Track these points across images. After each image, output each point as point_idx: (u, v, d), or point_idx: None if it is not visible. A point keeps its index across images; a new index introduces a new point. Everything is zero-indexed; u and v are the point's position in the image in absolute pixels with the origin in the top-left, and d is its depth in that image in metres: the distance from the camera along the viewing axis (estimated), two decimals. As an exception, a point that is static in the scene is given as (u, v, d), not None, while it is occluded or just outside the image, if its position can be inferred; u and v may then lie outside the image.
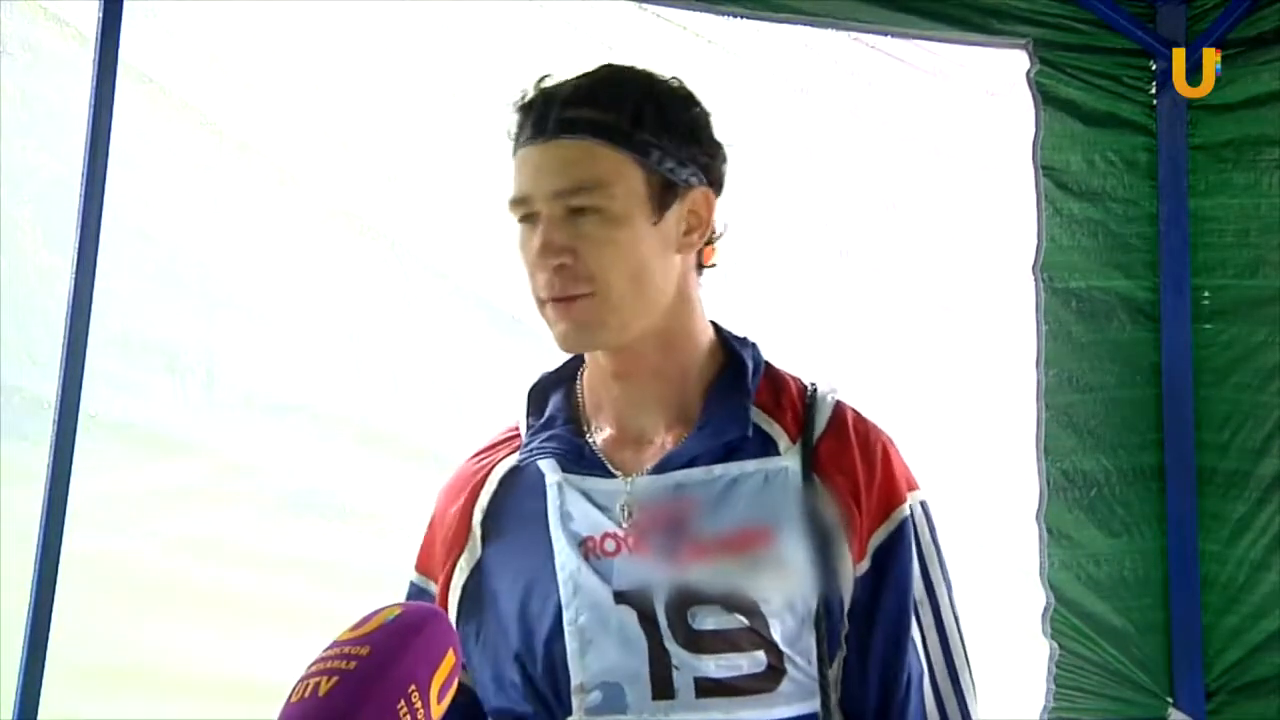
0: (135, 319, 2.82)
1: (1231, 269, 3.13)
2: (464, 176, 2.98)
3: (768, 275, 3.05)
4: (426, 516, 1.51)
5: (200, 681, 2.85)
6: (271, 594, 2.92)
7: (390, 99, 2.93)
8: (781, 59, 3.05)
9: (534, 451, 1.43)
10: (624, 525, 1.36)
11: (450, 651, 1.19)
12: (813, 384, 1.46)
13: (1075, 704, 3.19)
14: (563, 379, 1.50)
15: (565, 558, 1.37)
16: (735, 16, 2.95)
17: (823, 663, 1.34)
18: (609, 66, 1.40)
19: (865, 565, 1.37)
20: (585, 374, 1.48)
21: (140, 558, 2.96)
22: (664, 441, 1.41)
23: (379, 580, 2.98)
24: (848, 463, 1.39)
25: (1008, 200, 3.18)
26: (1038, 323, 3.16)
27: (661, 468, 1.38)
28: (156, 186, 2.81)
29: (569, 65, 1.40)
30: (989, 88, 3.23)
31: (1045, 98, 3.14)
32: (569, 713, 1.33)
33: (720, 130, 1.43)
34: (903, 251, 3.34)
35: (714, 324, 1.46)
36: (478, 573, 1.43)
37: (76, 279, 2.44)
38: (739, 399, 1.40)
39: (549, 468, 1.41)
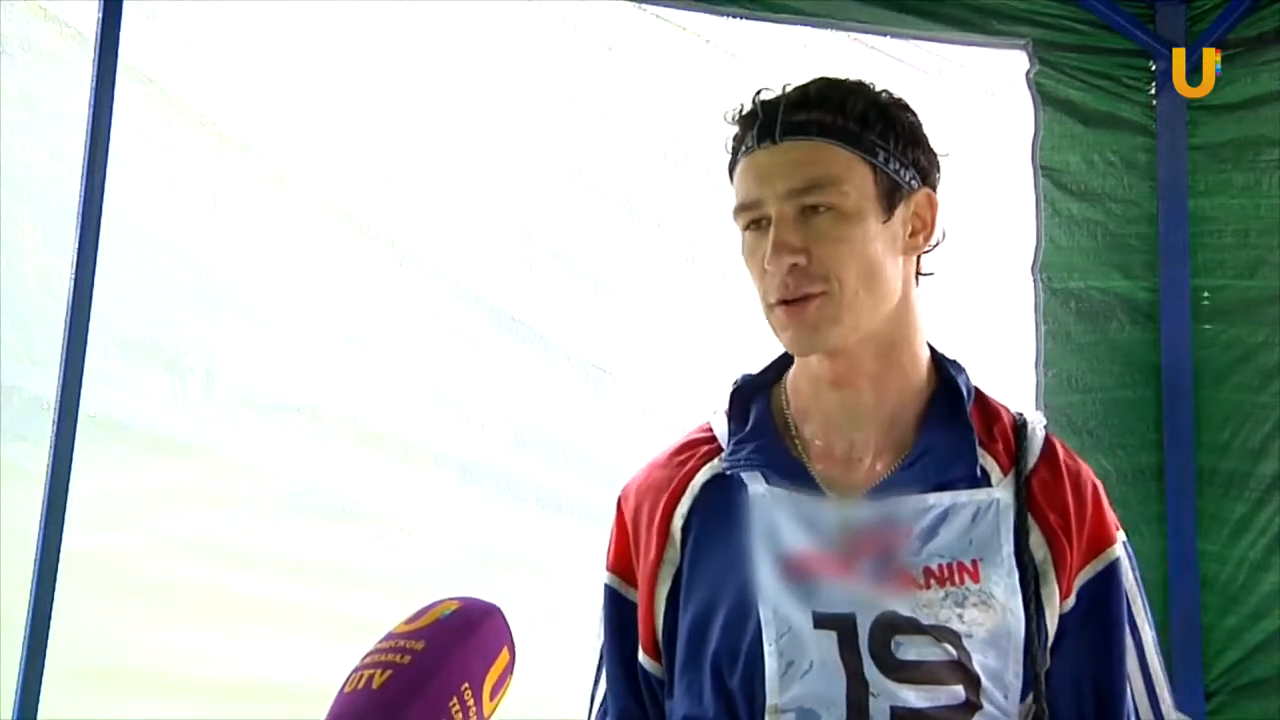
0: (135, 319, 2.82)
1: (1231, 270, 3.13)
2: (464, 176, 2.98)
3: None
4: (610, 515, 1.48)
5: (199, 681, 2.84)
6: (271, 594, 2.91)
7: (390, 99, 2.93)
8: (780, 60, 3.04)
9: (740, 462, 1.40)
10: (832, 547, 1.34)
11: (505, 650, 1.18)
12: (1020, 414, 1.45)
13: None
14: (765, 384, 1.47)
15: (766, 574, 1.34)
16: (734, 17, 2.94)
17: (1038, 695, 1.33)
18: (825, 78, 1.40)
19: (1071, 602, 1.37)
20: (792, 379, 1.45)
21: (139, 558, 2.96)
22: (874, 463, 1.39)
23: (378, 581, 2.99)
24: (1060, 498, 1.38)
25: (1007, 201, 3.18)
26: (1037, 323, 3.14)
27: (876, 493, 1.36)
28: (156, 186, 2.81)
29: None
30: (988, 88, 3.22)
31: (1045, 98, 3.13)
32: None
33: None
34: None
35: (928, 344, 1.44)
36: (679, 581, 1.41)
37: (76, 279, 2.44)
38: (961, 431, 1.39)
39: (752, 478, 1.39)
